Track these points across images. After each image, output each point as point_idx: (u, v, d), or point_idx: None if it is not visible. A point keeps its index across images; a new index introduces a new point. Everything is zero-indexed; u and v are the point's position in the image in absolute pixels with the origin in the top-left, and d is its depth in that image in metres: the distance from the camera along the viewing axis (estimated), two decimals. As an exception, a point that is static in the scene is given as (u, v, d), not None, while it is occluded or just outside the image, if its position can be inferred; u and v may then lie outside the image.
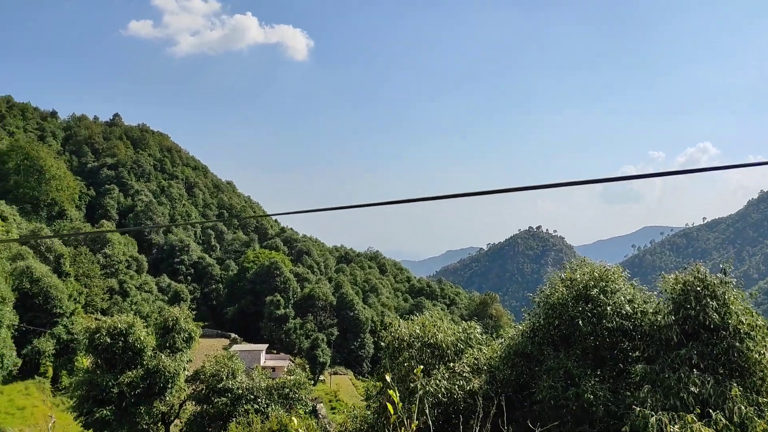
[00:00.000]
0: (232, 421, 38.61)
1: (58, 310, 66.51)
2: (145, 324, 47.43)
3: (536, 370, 23.92)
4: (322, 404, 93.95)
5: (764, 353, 20.27)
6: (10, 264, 67.99)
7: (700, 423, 18.10)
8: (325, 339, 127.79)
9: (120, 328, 43.03)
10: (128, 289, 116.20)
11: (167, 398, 44.20)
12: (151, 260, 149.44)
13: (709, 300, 20.70)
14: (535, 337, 24.89)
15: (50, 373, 68.59)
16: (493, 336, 31.79)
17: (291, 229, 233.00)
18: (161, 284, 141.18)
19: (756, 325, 20.60)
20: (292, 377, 46.24)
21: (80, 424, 42.78)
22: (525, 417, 21.06)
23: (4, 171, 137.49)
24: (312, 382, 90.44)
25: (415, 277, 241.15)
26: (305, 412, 47.69)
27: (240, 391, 42.78)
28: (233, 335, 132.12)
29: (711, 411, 18.70)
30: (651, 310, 23.11)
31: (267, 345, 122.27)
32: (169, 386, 44.15)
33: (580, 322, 22.86)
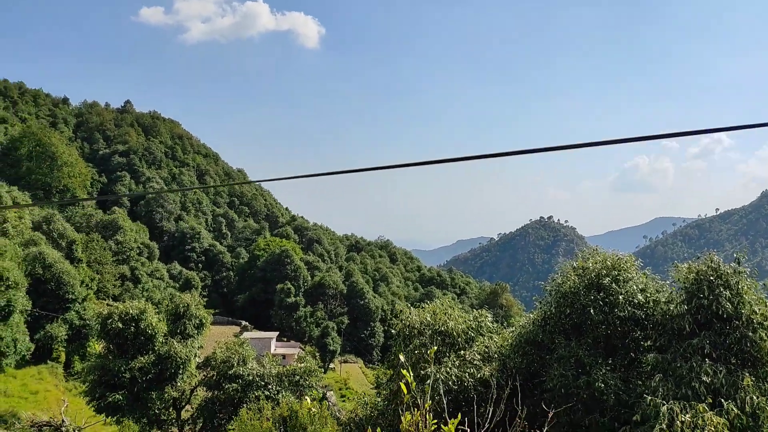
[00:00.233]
0: (243, 407, 38.74)
1: (70, 296, 66.89)
2: (157, 310, 47.64)
3: (547, 359, 23.89)
4: (332, 392, 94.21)
5: (777, 343, 20.15)
6: (23, 250, 68.42)
7: (711, 412, 18.06)
8: (336, 327, 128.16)
9: (132, 314, 43.23)
10: (140, 276, 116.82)
11: (178, 384, 44.40)
12: (163, 247, 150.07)
13: (722, 289, 20.58)
14: (546, 325, 24.82)
15: (63, 358, 69.09)
16: (504, 325, 31.74)
17: (302, 217, 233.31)
18: (172, 271, 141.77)
19: (769, 315, 20.47)
20: (302, 365, 46.36)
21: (92, 408, 43.05)
22: (535, 405, 21.03)
23: (16, 157, 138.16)
24: (322, 369, 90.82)
25: (425, 267, 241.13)
26: (315, 399, 47.81)
27: (251, 378, 42.93)
28: (244, 323, 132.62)
29: (723, 400, 18.65)
30: (663, 300, 23.00)
31: (277, 333, 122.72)
32: (181, 372, 44.35)
33: (592, 311, 22.78)
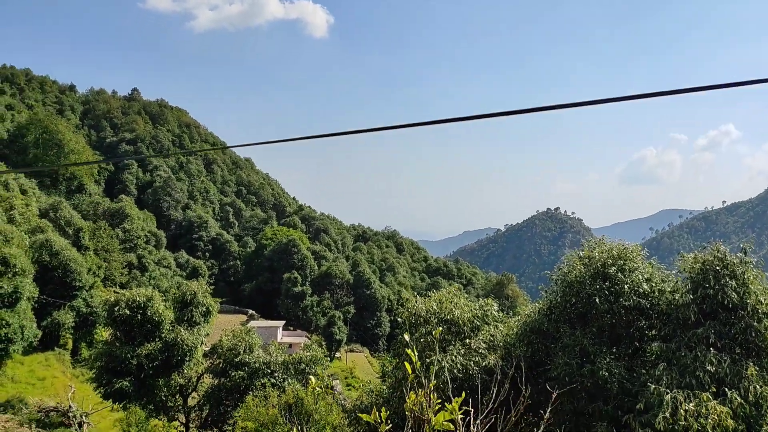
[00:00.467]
0: (249, 394, 38.98)
1: (77, 284, 67.11)
2: (164, 298, 47.82)
3: (552, 347, 23.96)
4: (338, 381, 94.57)
5: (782, 333, 20.15)
6: (30, 237, 68.63)
7: (715, 401, 18.11)
8: (342, 317, 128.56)
9: (139, 301, 43.38)
10: (147, 264, 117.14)
11: (185, 371, 44.62)
12: (170, 236, 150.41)
13: (728, 279, 20.58)
14: (551, 314, 24.87)
15: (70, 345, 69.44)
16: (509, 315, 31.79)
17: (309, 207, 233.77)
18: (179, 260, 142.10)
19: (775, 306, 20.46)
20: (308, 353, 46.53)
21: (99, 394, 43.31)
22: (539, 393, 21.11)
23: (23, 144, 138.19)
24: (328, 358, 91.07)
25: (432, 257, 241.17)
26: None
27: (257, 365, 43.12)
28: (251, 311, 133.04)
29: (726, 390, 18.69)
30: (669, 289, 23.01)
31: (284, 322, 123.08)
32: (187, 359, 44.52)
33: (597, 300, 22.81)
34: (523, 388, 6.10)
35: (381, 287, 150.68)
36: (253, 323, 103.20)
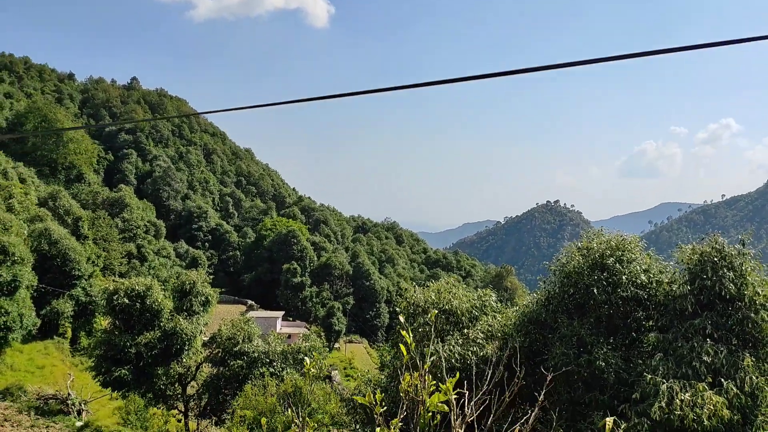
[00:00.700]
0: (248, 383, 39.19)
1: (76, 273, 67.14)
2: (163, 288, 47.90)
3: (549, 338, 24.01)
4: (336, 371, 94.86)
5: (779, 324, 20.21)
6: (29, 226, 68.65)
7: (711, 391, 18.19)
8: (341, 308, 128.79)
9: (138, 290, 43.48)
10: (146, 254, 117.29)
11: (184, 360, 44.78)
12: (169, 226, 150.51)
13: (726, 270, 20.61)
14: (549, 304, 24.91)
15: (69, 333, 69.55)
16: (508, 307, 31.83)
17: (309, 198, 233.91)
18: (179, 250, 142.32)
19: (772, 297, 20.51)
20: (307, 343, 46.69)
21: (98, 383, 43.47)
22: (536, 383, 21.19)
23: (22, 132, 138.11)
24: (327, 349, 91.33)
25: (431, 249, 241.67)
26: (320, 378, 48.13)
27: (255, 355, 43.31)
28: (250, 302, 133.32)
29: (723, 380, 18.76)
30: (666, 280, 23.04)
31: (283, 312, 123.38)
32: (186, 348, 44.67)
33: (595, 291, 22.85)
34: (518, 370, 6.14)
35: (380, 278, 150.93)
36: (252, 313, 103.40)
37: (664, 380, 18.75)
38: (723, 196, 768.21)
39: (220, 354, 44.50)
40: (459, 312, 27.47)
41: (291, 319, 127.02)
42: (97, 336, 49.13)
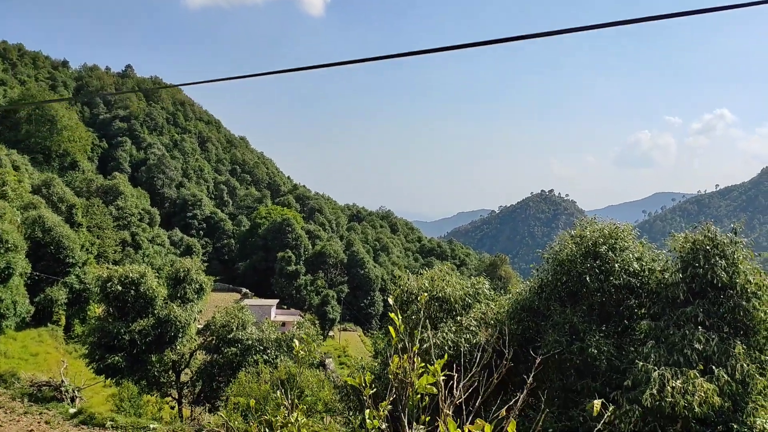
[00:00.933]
0: (242, 370, 39.20)
1: (70, 260, 67.07)
2: (157, 275, 47.87)
3: (542, 325, 24.09)
4: (331, 359, 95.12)
5: (770, 312, 20.32)
6: (22, 213, 68.46)
7: (702, 378, 18.29)
8: (336, 296, 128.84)
9: (132, 278, 43.46)
10: (140, 242, 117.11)
11: (178, 347, 44.80)
12: (164, 214, 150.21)
13: (718, 259, 20.66)
14: (542, 292, 24.97)
15: (63, 321, 69.47)
16: (501, 295, 31.88)
17: (303, 186, 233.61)
18: (173, 238, 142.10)
19: (763, 285, 20.56)
20: (301, 330, 46.69)
21: (92, 370, 43.47)
22: (528, 370, 21.26)
23: (15, 120, 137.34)
24: (322, 337, 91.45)
25: (426, 238, 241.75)
26: (314, 365, 48.24)
27: (249, 342, 43.30)
28: (244, 290, 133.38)
29: (714, 367, 18.86)
30: (659, 268, 23.11)
31: (278, 300, 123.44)
32: (180, 336, 44.71)
33: (588, 279, 22.92)
34: (506, 352, 6.16)
35: (375, 267, 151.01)
36: (246, 301, 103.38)
37: (656, 367, 18.84)
38: (717, 186, 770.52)
39: (214, 341, 44.48)
40: (452, 299, 27.53)
41: (285, 307, 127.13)
42: (90, 323, 49.13)
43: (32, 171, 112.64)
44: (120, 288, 42.76)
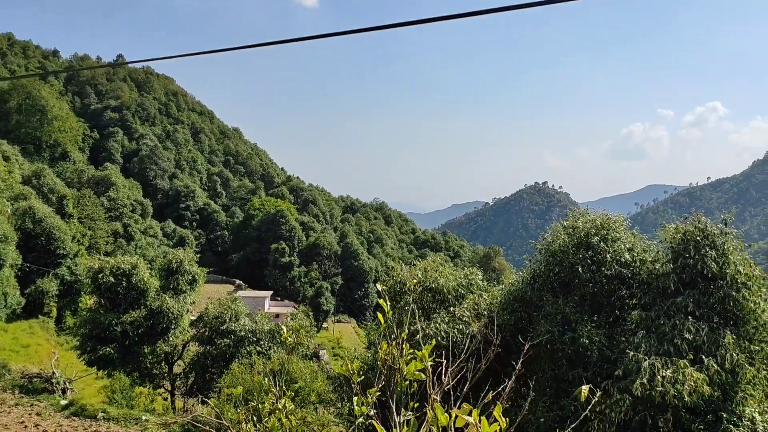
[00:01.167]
0: (235, 361, 39.17)
1: (61, 251, 66.72)
2: (150, 267, 47.72)
3: (535, 315, 24.16)
4: (324, 351, 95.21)
5: (759, 303, 20.42)
6: (12, 204, 68.07)
7: (692, 368, 18.38)
8: (329, 288, 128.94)
9: (123, 269, 43.30)
10: (133, 233, 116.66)
11: (170, 339, 44.70)
12: (156, 205, 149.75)
13: (708, 249, 20.74)
14: (535, 283, 25.04)
15: (54, 313, 69.18)
16: (494, 286, 31.92)
17: (297, 177, 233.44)
18: (166, 229, 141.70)
19: (753, 275, 20.68)
20: (294, 321, 46.67)
21: (84, 361, 43.35)
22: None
23: (5, 110, 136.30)
24: (315, 328, 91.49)
25: (420, 229, 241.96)
26: (307, 356, 48.26)
27: (243, 333, 43.25)
28: (238, 281, 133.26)
29: (704, 357, 18.96)
30: (650, 259, 23.19)
31: (271, 292, 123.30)
32: (173, 327, 44.59)
33: (580, 269, 22.98)
34: (494, 338, 6.17)
35: (369, 259, 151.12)
36: (240, 293, 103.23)
37: (646, 357, 18.93)
38: (708, 178, 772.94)
39: (207, 333, 44.42)
40: (445, 290, 27.58)
41: (279, 298, 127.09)
42: (82, 315, 48.93)
43: (22, 161, 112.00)
44: (112, 279, 42.61)
